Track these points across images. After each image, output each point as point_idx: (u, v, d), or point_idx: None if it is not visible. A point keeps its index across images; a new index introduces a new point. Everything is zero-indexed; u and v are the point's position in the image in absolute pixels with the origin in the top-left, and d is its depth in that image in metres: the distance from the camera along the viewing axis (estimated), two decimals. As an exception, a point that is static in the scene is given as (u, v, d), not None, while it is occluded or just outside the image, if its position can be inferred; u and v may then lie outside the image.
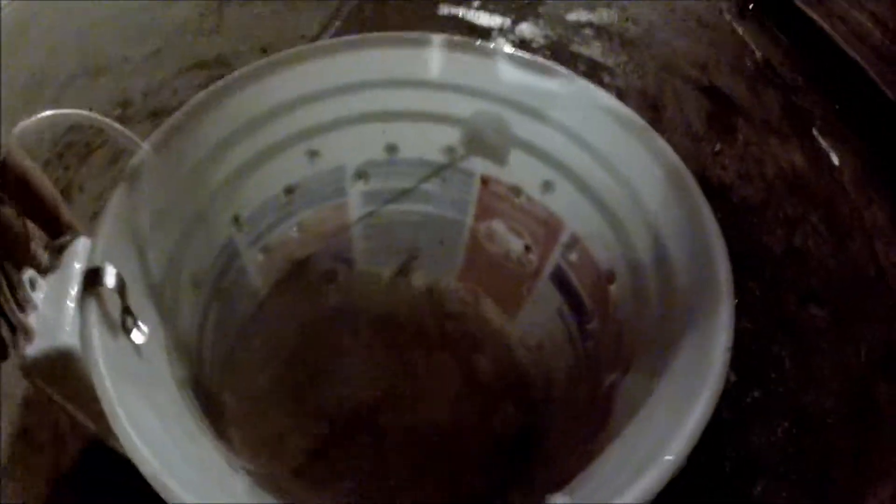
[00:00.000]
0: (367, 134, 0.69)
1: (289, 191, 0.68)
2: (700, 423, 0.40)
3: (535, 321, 0.74)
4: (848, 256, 0.64)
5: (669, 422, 0.42)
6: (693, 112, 0.55)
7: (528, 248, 0.72)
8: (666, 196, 0.54)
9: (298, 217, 0.71)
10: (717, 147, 0.58)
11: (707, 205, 0.50)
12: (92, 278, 0.44)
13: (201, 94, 0.57)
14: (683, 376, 0.45)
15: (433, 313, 0.80)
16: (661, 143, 0.54)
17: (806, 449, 0.58)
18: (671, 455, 0.39)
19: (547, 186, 0.66)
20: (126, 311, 0.47)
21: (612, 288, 0.61)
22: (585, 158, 0.61)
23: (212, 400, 0.60)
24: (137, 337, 0.47)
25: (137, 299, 0.49)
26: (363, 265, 0.79)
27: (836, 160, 0.65)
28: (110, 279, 0.44)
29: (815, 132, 0.67)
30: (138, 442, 0.39)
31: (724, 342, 0.43)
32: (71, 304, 0.45)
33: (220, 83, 0.58)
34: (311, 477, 0.67)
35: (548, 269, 0.70)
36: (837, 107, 0.68)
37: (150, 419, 0.43)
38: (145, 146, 0.52)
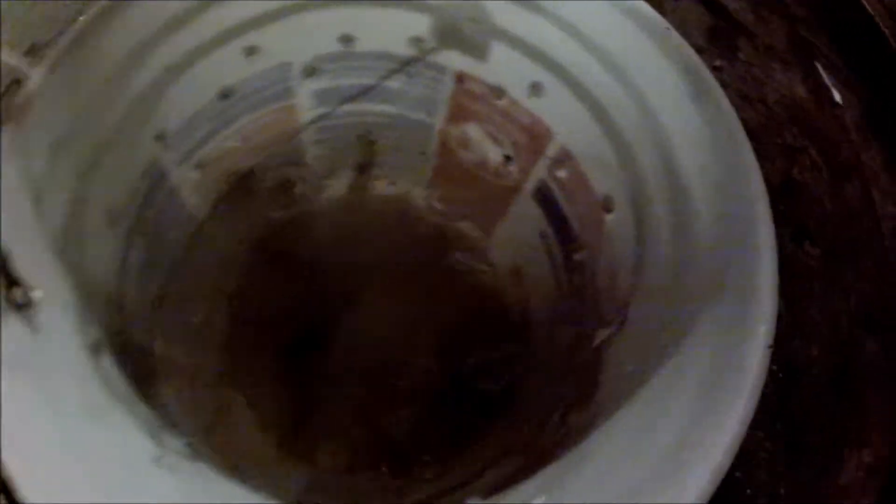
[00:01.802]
0: (317, 23, 0.57)
1: (224, 95, 0.56)
2: (729, 451, 0.31)
3: (514, 241, 0.65)
4: (845, 199, 0.58)
5: (683, 431, 0.34)
6: (694, 24, 0.47)
7: (507, 158, 0.62)
8: (689, 117, 0.43)
9: (237, 124, 0.59)
10: (717, 63, 0.49)
11: (743, 133, 0.40)
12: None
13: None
14: (702, 368, 0.36)
15: (397, 227, 0.70)
16: (688, 51, 0.43)
17: (790, 397, 0.53)
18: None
19: (535, 89, 0.56)
20: (12, 284, 0.36)
21: (609, 218, 0.52)
22: (587, 60, 0.50)
23: (141, 355, 0.51)
24: (29, 311, 0.38)
25: (33, 259, 0.39)
26: (317, 175, 0.68)
27: (838, 98, 0.59)
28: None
29: (818, 66, 0.60)
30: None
31: (762, 336, 0.34)
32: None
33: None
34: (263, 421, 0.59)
35: (530, 184, 0.61)
36: (841, 48, 0.60)
37: (44, 426, 0.35)
38: (34, 76, 0.40)
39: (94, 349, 0.44)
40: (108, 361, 0.45)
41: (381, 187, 0.71)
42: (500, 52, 0.55)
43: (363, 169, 0.70)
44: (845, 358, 0.54)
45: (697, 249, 0.42)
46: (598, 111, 0.51)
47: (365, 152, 0.69)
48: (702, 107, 0.43)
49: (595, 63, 0.49)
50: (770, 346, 0.34)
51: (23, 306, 0.37)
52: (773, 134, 0.60)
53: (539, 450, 0.47)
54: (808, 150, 0.59)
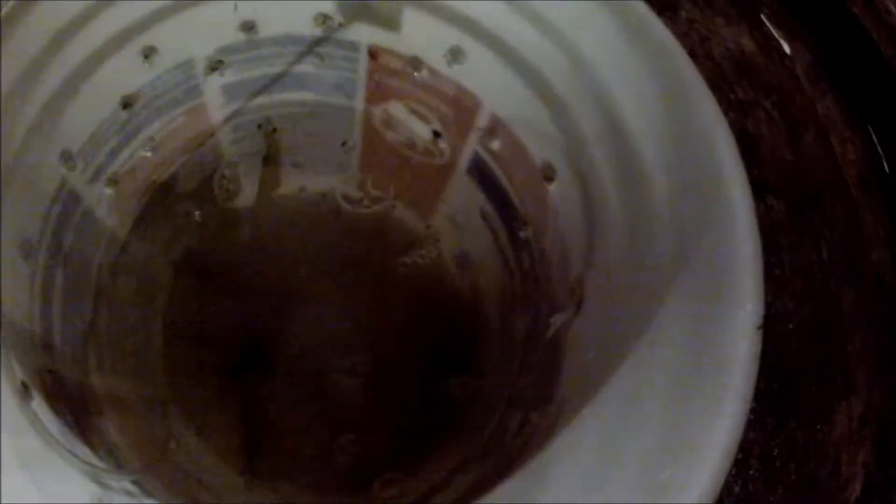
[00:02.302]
0: (214, 14, 0.53)
1: (127, 104, 0.52)
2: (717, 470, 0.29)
3: (455, 224, 0.63)
4: (804, 149, 0.58)
5: (663, 435, 0.32)
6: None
7: (437, 134, 0.59)
8: (632, 68, 0.40)
9: (146, 133, 0.55)
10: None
11: (701, 81, 0.38)
12: None
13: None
14: (677, 357, 0.33)
15: (330, 224, 0.67)
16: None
17: (771, 353, 0.53)
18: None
19: (456, 54, 0.53)
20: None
21: (552, 188, 0.50)
22: (509, 16, 0.47)
23: (77, 391, 0.48)
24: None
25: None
26: (240, 175, 0.65)
27: (787, 49, 0.60)
28: None
29: (763, 18, 0.60)
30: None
31: (749, 316, 0.31)
32: None
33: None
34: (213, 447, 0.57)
35: (464, 159, 0.58)
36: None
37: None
38: None
39: (22, 393, 0.40)
40: (38, 404, 0.41)
41: (308, 183, 0.68)
42: (413, 19, 0.52)
43: (276, 162, 0.66)
44: (822, 309, 0.53)
45: (655, 217, 0.39)
46: (527, 71, 0.48)
47: (272, 144, 0.65)
48: (646, 55, 0.40)
49: (518, 17, 0.46)
50: (760, 327, 0.31)
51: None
52: (724, 89, 0.60)
53: (501, 456, 0.45)
54: (762, 103, 0.58)
